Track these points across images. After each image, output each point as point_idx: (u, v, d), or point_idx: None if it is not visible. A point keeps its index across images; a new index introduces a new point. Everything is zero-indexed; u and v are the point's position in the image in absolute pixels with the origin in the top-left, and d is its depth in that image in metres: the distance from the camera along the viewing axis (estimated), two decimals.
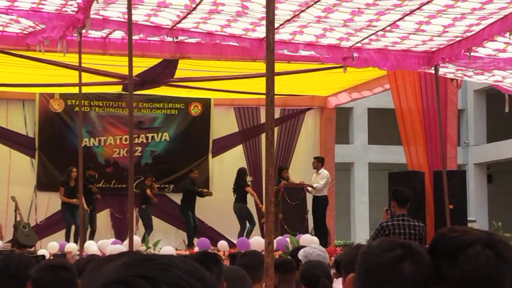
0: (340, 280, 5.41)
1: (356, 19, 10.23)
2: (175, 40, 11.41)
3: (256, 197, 17.18)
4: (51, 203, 17.51)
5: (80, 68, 10.43)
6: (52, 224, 17.36)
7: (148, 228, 16.67)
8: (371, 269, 2.18)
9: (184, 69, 15.32)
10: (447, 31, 10.69)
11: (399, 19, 10.30)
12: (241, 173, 17.13)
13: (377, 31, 10.95)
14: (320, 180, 16.58)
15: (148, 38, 11.66)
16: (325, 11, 9.90)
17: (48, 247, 14.91)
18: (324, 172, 16.80)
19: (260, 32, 10.90)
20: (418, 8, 9.75)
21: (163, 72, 16.11)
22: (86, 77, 14.36)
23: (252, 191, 17.14)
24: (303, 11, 9.97)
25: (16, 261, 4.64)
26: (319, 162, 16.97)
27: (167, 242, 15.83)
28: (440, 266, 2.10)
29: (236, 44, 11.55)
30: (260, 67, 14.03)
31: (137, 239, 14.14)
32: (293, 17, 10.29)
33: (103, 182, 17.58)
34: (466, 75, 13.00)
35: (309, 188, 16.58)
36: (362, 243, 5.84)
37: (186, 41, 11.85)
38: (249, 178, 17.35)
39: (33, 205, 17.53)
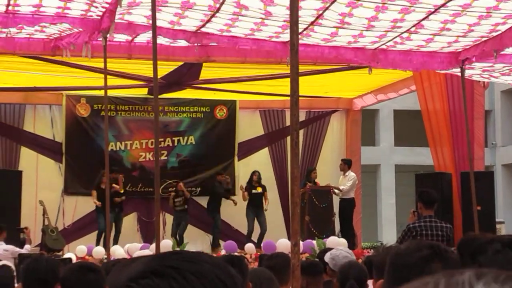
0: (371, 281, 5.38)
1: (381, 17, 10.15)
2: (199, 44, 11.42)
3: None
4: (78, 207, 17.61)
5: (105, 71, 10.49)
6: (79, 228, 17.46)
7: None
8: (401, 270, 2.19)
9: (209, 68, 15.32)
10: (472, 30, 10.59)
11: (423, 18, 10.22)
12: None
13: (402, 33, 10.89)
14: (347, 182, 16.53)
15: (172, 45, 11.68)
16: (349, 5, 9.82)
17: (76, 250, 15.01)
18: (351, 174, 16.75)
19: (285, 36, 10.89)
20: (443, 5, 9.66)
21: (188, 73, 16.15)
22: (112, 80, 14.43)
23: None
24: (327, 8, 9.91)
25: (44, 264, 4.67)
26: (345, 164, 16.92)
27: (194, 245, 15.86)
28: (465, 263, 2.11)
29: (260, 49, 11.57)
30: (285, 69, 14.04)
31: (168, 242, 14.18)
32: (317, 17, 10.25)
33: (130, 186, 17.63)
34: (492, 76, 12.91)
35: (336, 191, 16.54)
36: (393, 244, 5.79)
37: (210, 44, 11.88)
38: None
39: (60, 209, 17.63)
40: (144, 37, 11.56)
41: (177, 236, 16.54)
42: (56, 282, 4.72)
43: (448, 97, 15.18)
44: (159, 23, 9.29)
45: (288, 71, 5.49)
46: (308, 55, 11.76)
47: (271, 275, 4.87)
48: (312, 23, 10.46)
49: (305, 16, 9.99)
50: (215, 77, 16.56)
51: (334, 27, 10.63)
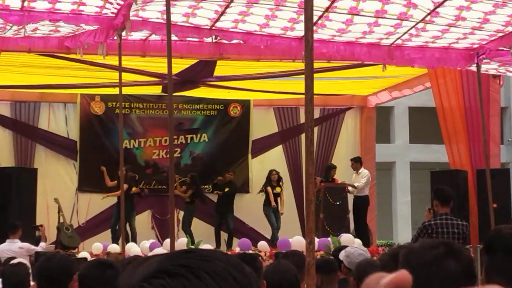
0: None
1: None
2: (213, 41, 11.39)
3: None
4: (91, 204, 17.65)
5: (120, 69, 10.48)
6: (94, 226, 17.50)
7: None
8: (416, 268, 2.16)
9: (223, 65, 15.32)
10: (488, 20, 10.49)
11: (439, 5, 10.12)
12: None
13: (417, 22, 10.81)
14: (361, 179, 16.49)
15: (188, 39, 11.66)
16: None
17: (92, 248, 15.05)
18: (364, 171, 16.70)
19: (299, 31, 10.86)
20: None
21: (203, 70, 16.15)
22: (126, 77, 14.44)
23: None
24: None
25: (57, 262, 4.65)
26: (357, 162, 16.90)
27: (207, 242, 15.84)
28: (497, 260, 2.09)
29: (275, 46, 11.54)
30: (299, 66, 14.01)
31: (182, 240, 14.19)
32: (332, 2, 10.19)
33: (143, 183, 17.64)
34: (508, 71, 12.84)
35: (350, 188, 16.50)
36: (402, 244, 5.78)
37: (224, 41, 11.86)
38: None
39: (75, 207, 17.68)
40: (158, 35, 11.54)
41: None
42: (70, 281, 4.71)
43: (463, 93, 15.10)
44: (173, 18, 9.27)
45: (303, 67, 5.46)
46: (323, 52, 11.72)
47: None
48: (326, 10, 10.38)
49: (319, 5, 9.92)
50: (229, 74, 16.54)
51: (349, 13, 10.57)
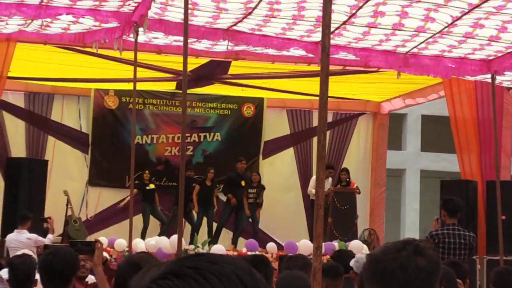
0: None
1: (411, 12, 10.05)
2: (229, 44, 11.36)
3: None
4: (101, 198, 17.70)
5: (135, 64, 10.50)
6: (101, 220, 17.54)
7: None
8: (389, 274, 2.24)
9: (238, 63, 15.32)
10: (505, 28, 10.45)
11: (457, 18, 10.10)
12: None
13: (434, 34, 10.81)
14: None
15: (204, 41, 11.66)
16: (378, 4, 9.77)
17: None
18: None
19: (316, 37, 10.86)
20: (477, 6, 9.56)
21: (218, 68, 16.16)
22: (141, 73, 14.49)
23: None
24: (360, 7, 9.85)
25: (62, 257, 4.65)
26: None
27: (220, 242, 15.79)
28: None
29: (290, 53, 11.55)
30: (314, 68, 14.02)
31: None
32: (350, 17, 10.20)
33: (154, 179, 17.66)
34: None
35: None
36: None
37: (240, 44, 11.85)
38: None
39: (84, 200, 17.71)
40: (174, 35, 11.54)
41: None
42: (73, 275, 4.72)
43: (477, 104, 15.07)
44: (191, 21, 9.29)
45: (318, 69, 5.47)
46: (338, 58, 11.73)
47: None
48: (344, 23, 10.41)
49: (338, 15, 9.93)
50: (244, 72, 16.55)
51: (366, 26, 10.57)
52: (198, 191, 16.74)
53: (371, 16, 10.20)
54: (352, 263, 6.67)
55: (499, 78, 12.25)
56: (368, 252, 12.52)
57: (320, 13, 7.09)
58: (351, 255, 7.62)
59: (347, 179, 16.87)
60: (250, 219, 16.81)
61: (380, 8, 9.88)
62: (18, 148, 17.22)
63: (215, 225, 16.79)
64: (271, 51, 11.58)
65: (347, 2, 9.74)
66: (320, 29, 6.23)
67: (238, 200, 16.70)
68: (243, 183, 16.86)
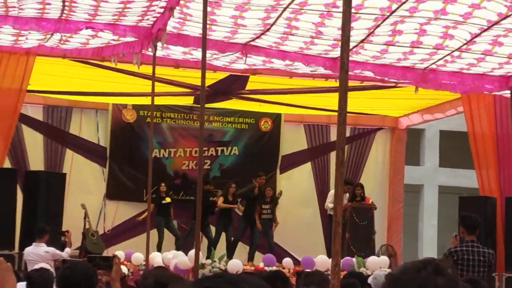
0: None
1: (429, 30, 10.02)
2: (247, 58, 11.37)
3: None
4: (118, 212, 17.73)
5: (153, 78, 10.53)
6: (119, 233, 17.55)
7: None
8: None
9: (256, 79, 15.33)
10: None
11: (476, 35, 10.07)
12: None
13: (453, 51, 10.78)
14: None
15: (222, 58, 11.68)
16: (396, 23, 9.76)
17: None
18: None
19: (334, 53, 10.86)
20: (496, 23, 9.52)
21: (235, 83, 16.18)
22: (159, 87, 14.52)
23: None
24: (378, 26, 9.85)
25: (79, 272, 4.65)
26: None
27: (237, 257, 15.73)
28: None
29: (308, 71, 11.57)
30: (332, 84, 14.01)
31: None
32: (368, 35, 10.21)
33: (172, 193, 17.67)
34: None
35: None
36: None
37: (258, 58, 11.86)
38: None
39: (102, 213, 17.74)
40: (194, 48, 11.57)
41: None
42: None
43: (496, 120, 14.99)
44: (209, 35, 9.32)
45: (336, 84, 5.46)
46: (357, 73, 11.71)
47: None
48: (362, 41, 10.42)
49: (356, 35, 9.95)
50: (262, 88, 16.56)
51: (384, 44, 10.57)
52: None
53: (389, 35, 10.20)
54: (370, 280, 6.66)
55: None
56: (388, 268, 12.46)
57: (338, 31, 7.08)
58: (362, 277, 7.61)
59: (362, 194, 16.80)
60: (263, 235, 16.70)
61: (399, 26, 9.87)
62: (36, 161, 17.27)
63: None
64: (288, 64, 11.57)
65: (365, 23, 9.76)
66: (338, 46, 6.23)
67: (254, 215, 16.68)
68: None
